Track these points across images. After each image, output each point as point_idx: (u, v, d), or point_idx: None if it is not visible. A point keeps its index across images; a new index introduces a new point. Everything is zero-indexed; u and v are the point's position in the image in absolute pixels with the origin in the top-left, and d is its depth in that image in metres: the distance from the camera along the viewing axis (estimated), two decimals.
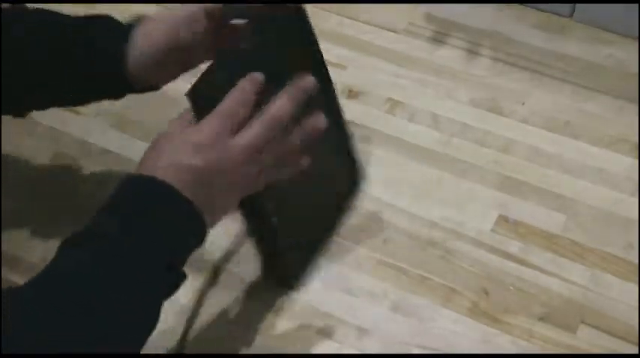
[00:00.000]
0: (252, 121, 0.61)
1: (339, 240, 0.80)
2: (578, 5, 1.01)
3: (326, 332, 0.73)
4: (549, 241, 0.80)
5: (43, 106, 0.75)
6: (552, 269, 0.78)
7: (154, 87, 0.73)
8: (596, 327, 0.73)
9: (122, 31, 0.69)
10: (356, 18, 1.04)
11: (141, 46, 0.68)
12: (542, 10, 1.03)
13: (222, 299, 0.76)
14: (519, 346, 0.72)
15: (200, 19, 0.68)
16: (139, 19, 0.70)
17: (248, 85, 0.61)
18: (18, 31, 0.68)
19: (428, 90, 0.95)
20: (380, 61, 0.99)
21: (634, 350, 0.72)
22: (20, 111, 0.75)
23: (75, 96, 0.73)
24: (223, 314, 0.75)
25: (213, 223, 0.62)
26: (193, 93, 0.60)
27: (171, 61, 0.69)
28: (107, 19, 0.71)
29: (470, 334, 0.73)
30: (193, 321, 0.74)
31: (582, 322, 0.74)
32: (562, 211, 0.82)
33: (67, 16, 0.71)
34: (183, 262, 0.60)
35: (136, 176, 0.60)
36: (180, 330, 0.73)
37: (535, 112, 0.92)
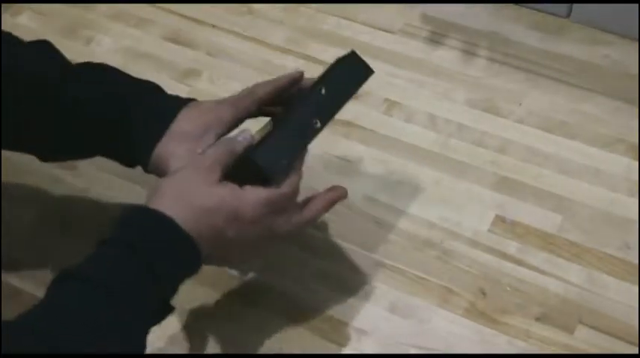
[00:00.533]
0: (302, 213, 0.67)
1: (337, 240, 0.81)
2: (575, 5, 1.02)
3: (324, 334, 0.75)
4: (546, 241, 0.81)
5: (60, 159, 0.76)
6: (549, 269, 0.79)
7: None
8: (594, 327, 0.74)
9: (159, 126, 0.69)
10: (353, 19, 1.05)
11: (170, 146, 0.69)
12: (539, 11, 1.04)
13: (220, 299, 0.77)
14: (517, 346, 0.73)
15: (243, 117, 0.72)
16: (183, 104, 0.71)
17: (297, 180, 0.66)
18: (74, 90, 0.69)
19: (425, 91, 0.96)
20: (377, 62, 0.99)
21: (632, 350, 0.73)
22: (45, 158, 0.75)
23: (89, 155, 0.74)
24: (220, 315, 0.76)
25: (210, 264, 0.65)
26: (256, 155, 0.64)
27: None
28: (154, 97, 0.71)
29: (467, 334, 0.74)
30: (192, 322, 0.75)
31: (580, 322, 0.75)
32: (559, 211, 0.83)
33: (121, 83, 0.71)
34: (173, 294, 0.62)
35: (145, 210, 0.61)
36: (180, 332, 0.74)
37: (532, 112, 0.93)
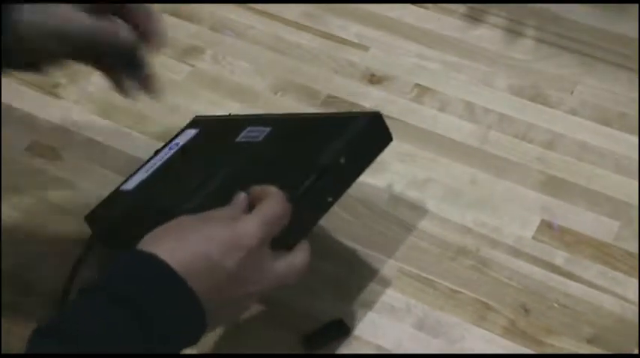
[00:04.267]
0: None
1: (357, 246, 0.81)
2: None
3: (341, 351, 0.74)
4: (600, 251, 0.80)
5: None
6: (603, 283, 0.78)
7: (36, 67, 0.70)
8: None
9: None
10: None
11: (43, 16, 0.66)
12: None
13: None
14: None
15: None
16: None
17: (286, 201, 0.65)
18: None
19: (462, 75, 0.96)
20: (407, 42, 1.00)
21: None
22: None
23: None
24: (229, 329, 0.76)
25: (213, 327, 0.63)
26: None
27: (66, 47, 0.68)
28: None
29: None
30: None
31: (638, 345, 0.74)
32: (615, 217, 0.83)
33: None
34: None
35: (146, 257, 0.59)
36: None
37: (585, 102, 0.93)
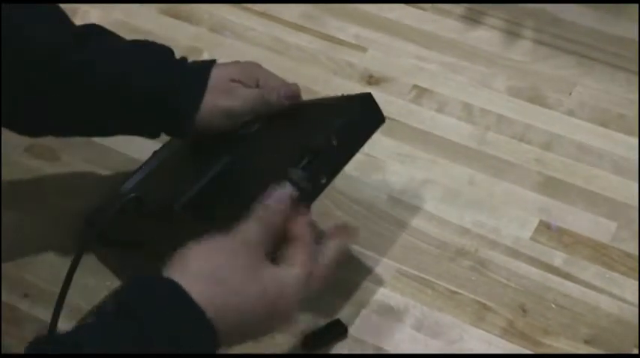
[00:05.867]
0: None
1: (355, 247, 0.81)
2: None
3: (340, 351, 0.75)
4: (598, 252, 0.80)
5: (73, 133, 0.79)
6: (601, 284, 0.78)
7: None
8: None
9: (196, 89, 0.74)
10: None
11: (211, 110, 0.74)
12: None
13: None
14: None
15: (269, 104, 0.76)
16: (207, 66, 0.76)
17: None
18: (90, 53, 0.73)
19: (460, 76, 0.96)
20: (405, 43, 1.00)
21: None
22: (43, 133, 0.78)
23: (118, 130, 0.78)
24: None
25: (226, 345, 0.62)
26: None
27: (227, 121, 0.76)
28: (176, 59, 0.77)
29: None
30: None
31: (636, 346, 0.74)
32: (613, 218, 0.83)
33: (136, 45, 0.76)
34: None
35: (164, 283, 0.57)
36: None
37: (583, 104, 0.93)
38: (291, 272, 0.61)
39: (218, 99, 0.74)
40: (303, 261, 0.61)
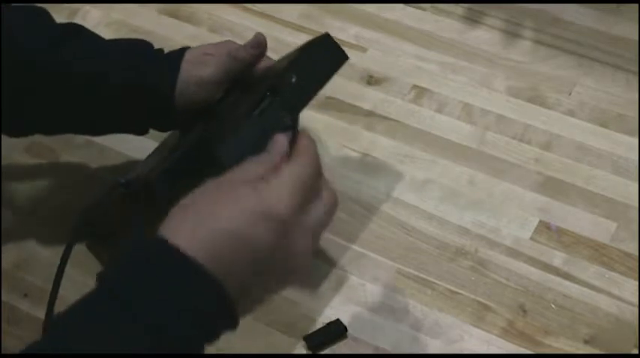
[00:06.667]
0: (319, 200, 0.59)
1: (355, 247, 0.81)
2: None
3: (340, 351, 0.75)
4: (597, 252, 0.81)
5: (59, 131, 0.81)
6: (601, 284, 0.78)
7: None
8: None
9: (171, 66, 0.76)
10: None
11: (187, 81, 0.76)
12: None
13: None
14: None
15: (239, 60, 0.77)
16: (182, 50, 0.77)
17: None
18: (66, 55, 0.75)
19: (459, 76, 0.96)
20: (405, 43, 1.00)
21: None
22: (29, 133, 0.80)
23: (105, 128, 0.79)
24: None
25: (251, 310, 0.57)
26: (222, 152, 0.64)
27: (205, 93, 0.77)
28: (152, 50, 0.78)
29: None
30: None
31: (636, 346, 0.74)
32: (612, 218, 0.83)
33: (113, 43, 0.78)
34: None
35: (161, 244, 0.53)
36: None
37: (583, 104, 0.93)
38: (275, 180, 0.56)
39: (192, 71, 0.75)
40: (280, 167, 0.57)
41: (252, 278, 0.54)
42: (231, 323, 0.54)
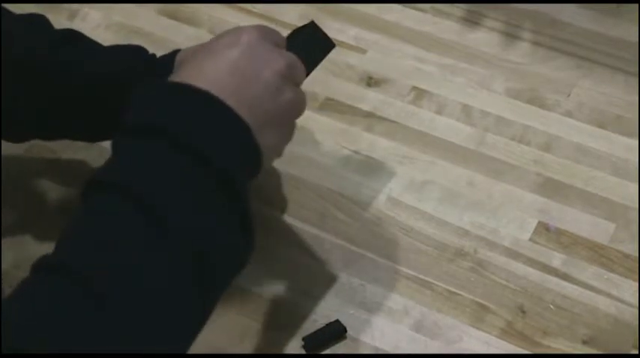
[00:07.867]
0: None
1: (354, 248, 0.82)
2: None
3: (339, 352, 0.75)
4: (596, 253, 0.81)
5: (58, 137, 0.81)
6: (600, 285, 0.79)
7: None
8: None
9: (162, 70, 0.75)
10: None
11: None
12: None
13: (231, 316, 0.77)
14: None
15: None
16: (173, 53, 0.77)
17: None
18: (65, 59, 0.75)
19: (459, 78, 0.96)
20: (404, 45, 1.00)
21: None
22: (28, 138, 0.81)
23: (102, 132, 0.79)
24: (228, 328, 0.76)
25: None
26: None
27: None
28: (147, 54, 0.79)
29: None
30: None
31: (635, 347, 0.75)
32: (611, 219, 0.83)
33: (110, 48, 0.79)
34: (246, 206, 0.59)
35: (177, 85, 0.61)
36: None
37: (582, 105, 0.93)
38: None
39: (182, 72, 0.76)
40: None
41: (257, 111, 0.62)
42: (258, 161, 0.61)
